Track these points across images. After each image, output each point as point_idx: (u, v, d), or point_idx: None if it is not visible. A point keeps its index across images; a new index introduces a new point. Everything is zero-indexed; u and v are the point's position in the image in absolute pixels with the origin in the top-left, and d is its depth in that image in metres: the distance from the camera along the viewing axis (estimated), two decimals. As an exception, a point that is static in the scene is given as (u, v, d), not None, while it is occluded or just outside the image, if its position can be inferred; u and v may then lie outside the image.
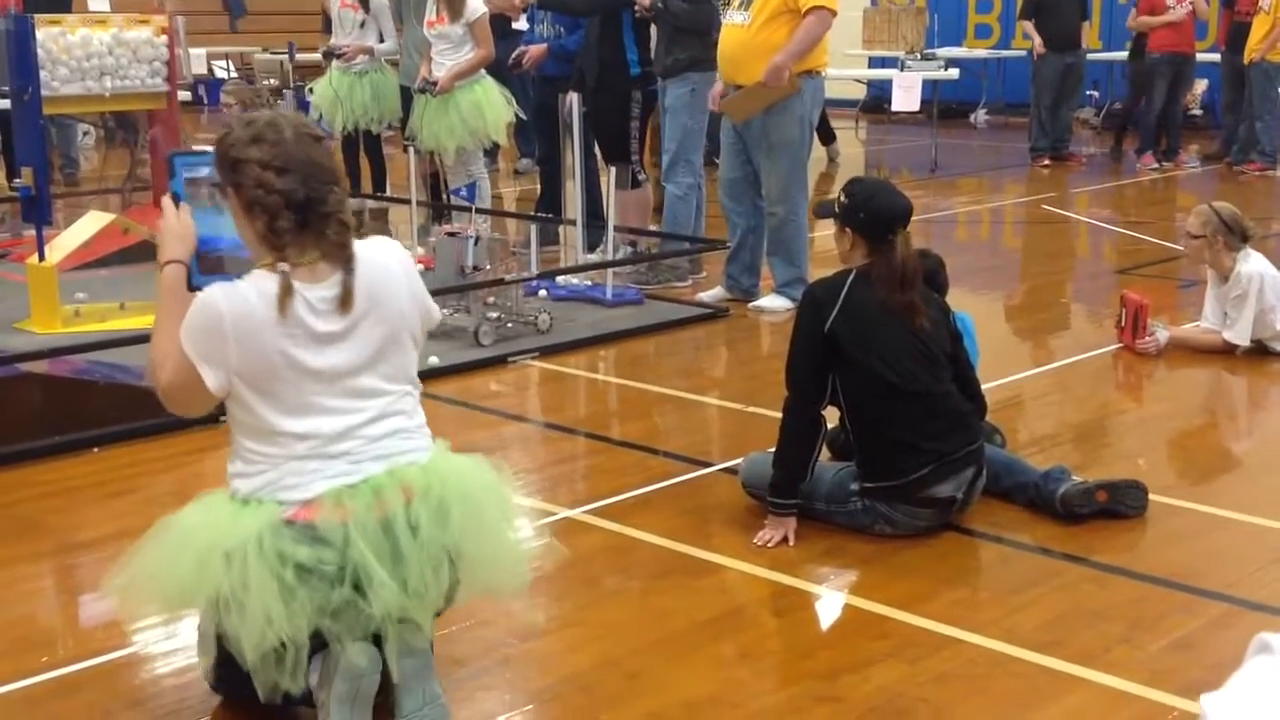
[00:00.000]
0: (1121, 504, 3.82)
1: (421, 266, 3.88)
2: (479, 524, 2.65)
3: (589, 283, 6.71)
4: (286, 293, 2.53)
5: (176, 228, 2.79)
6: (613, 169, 6.88)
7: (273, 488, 2.57)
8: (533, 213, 8.16)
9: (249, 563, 2.47)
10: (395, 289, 2.67)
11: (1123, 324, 5.67)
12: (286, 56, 14.53)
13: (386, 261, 2.70)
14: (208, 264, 2.85)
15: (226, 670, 2.67)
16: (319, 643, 2.56)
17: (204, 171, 2.90)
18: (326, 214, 2.59)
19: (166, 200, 2.85)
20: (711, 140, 7.57)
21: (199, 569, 2.51)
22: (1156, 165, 11.58)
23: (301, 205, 2.57)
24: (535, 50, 7.69)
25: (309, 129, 2.67)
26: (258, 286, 2.55)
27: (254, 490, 2.59)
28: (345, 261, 2.60)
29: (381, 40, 8.52)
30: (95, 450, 4.45)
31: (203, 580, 2.51)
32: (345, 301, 2.59)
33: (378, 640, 2.58)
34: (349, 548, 2.50)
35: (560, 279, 6.73)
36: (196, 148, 8.45)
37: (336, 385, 2.60)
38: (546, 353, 5.67)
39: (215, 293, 2.56)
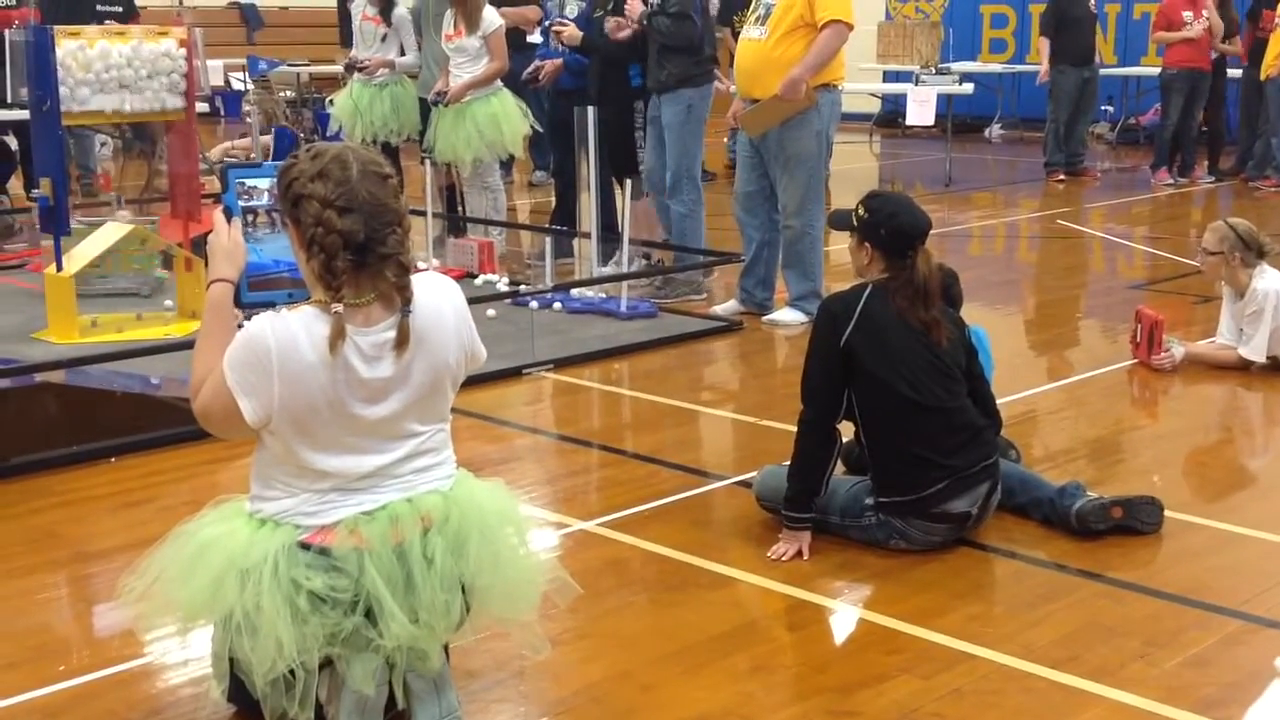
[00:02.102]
0: (1137, 520, 3.82)
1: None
2: (494, 556, 2.64)
3: (603, 295, 6.72)
4: (339, 335, 2.47)
5: (226, 245, 2.73)
6: (628, 182, 6.90)
7: (292, 514, 2.57)
8: (547, 225, 8.18)
9: (263, 585, 2.47)
10: (444, 336, 2.61)
11: (1138, 340, 5.66)
12: (304, 68, 14.61)
13: (439, 304, 2.63)
14: (258, 282, 2.80)
15: (238, 684, 2.68)
16: (327, 660, 2.57)
17: (259, 184, 2.85)
18: (386, 255, 2.52)
19: (218, 214, 2.80)
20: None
21: (215, 585, 2.52)
22: (1171, 181, 11.56)
23: (361, 246, 2.50)
24: (551, 65, 7.72)
25: (377, 166, 2.57)
26: (308, 327, 2.49)
27: (273, 514, 2.58)
28: (404, 304, 2.54)
29: (403, 53, 8.55)
30: (112, 460, 4.47)
31: (217, 597, 2.51)
32: (401, 344, 2.53)
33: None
34: (362, 575, 2.49)
35: (574, 291, 6.75)
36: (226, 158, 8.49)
37: (373, 430, 2.57)
38: (560, 365, 5.69)
39: (265, 328, 2.49)
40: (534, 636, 2.79)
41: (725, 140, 11.83)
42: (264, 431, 2.57)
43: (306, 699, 2.49)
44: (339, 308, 2.48)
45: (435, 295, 2.63)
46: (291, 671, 2.48)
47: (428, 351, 2.58)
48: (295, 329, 2.49)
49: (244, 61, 17.36)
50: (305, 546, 2.53)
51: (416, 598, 2.52)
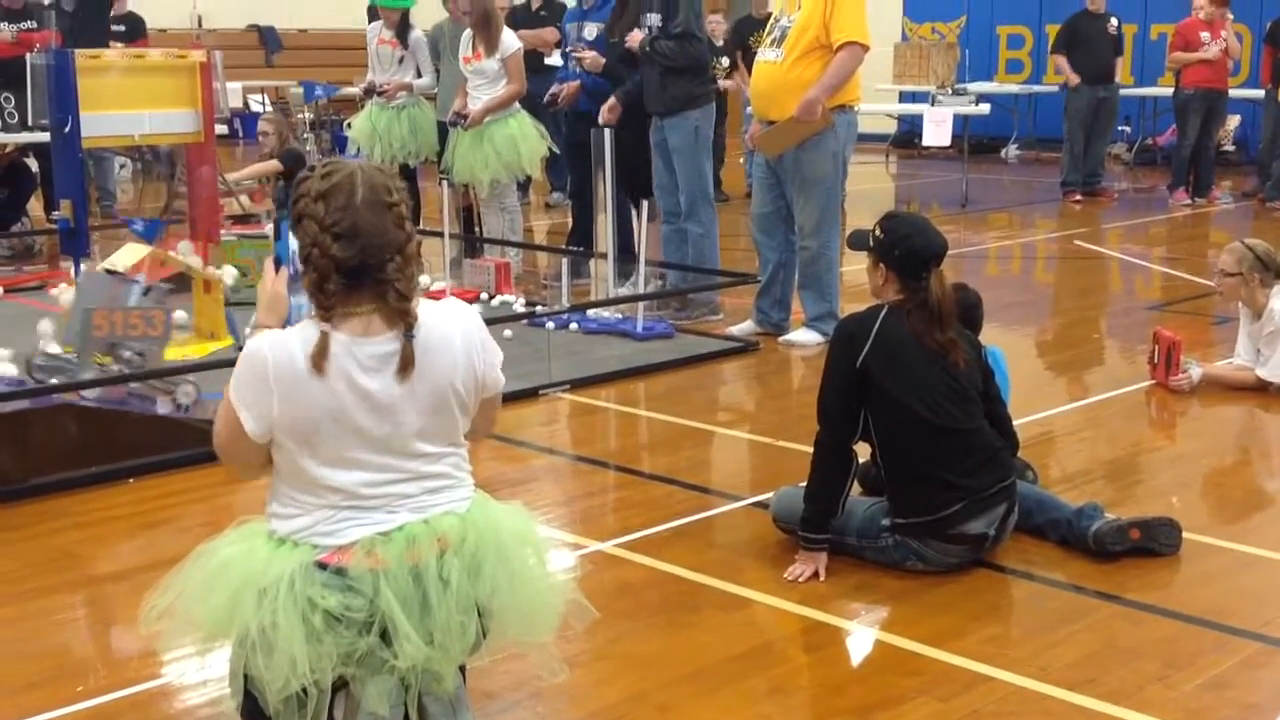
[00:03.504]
0: (1155, 542, 3.80)
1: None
2: (510, 579, 2.62)
3: (620, 316, 6.74)
4: (321, 353, 2.48)
5: (269, 294, 2.74)
6: (644, 203, 6.92)
7: (308, 532, 2.57)
8: (564, 246, 8.21)
9: (279, 603, 2.47)
10: (450, 358, 2.60)
11: (1155, 361, 5.64)
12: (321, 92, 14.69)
13: (448, 331, 2.61)
14: None
15: (253, 703, 2.69)
16: (343, 681, 2.57)
17: None
18: (383, 281, 2.52)
19: (269, 263, 2.82)
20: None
21: (232, 602, 2.52)
22: (1189, 201, 11.54)
23: (355, 270, 2.51)
24: (570, 88, 7.76)
25: (385, 191, 2.55)
26: (304, 341, 2.51)
27: (290, 533, 2.59)
28: (406, 328, 2.54)
29: (419, 76, 8.61)
30: (130, 481, 4.49)
31: (235, 614, 2.52)
32: (404, 368, 2.52)
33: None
34: (378, 596, 2.49)
35: (591, 312, 6.76)
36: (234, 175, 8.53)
37: (378, 444, 2.57)
38: (577, 385, 5.70)
39: (262, 344, 2.53)
40: (551, 658, 2.79)
41: (741, 161, 11.86)
42: (272, 449, 2.58)
43: (319, 717, 2.49)
44: (326, 327, 2.50)
45: (445, 319, 2.62)
46: (305, 690, 2.48)
47: (431, 373, 2.57)
48: (291, 343, 2.51)
49: (262, 85, 17.49)
50: (322, 566, 2.54)
51: (432, 619, 2.51)
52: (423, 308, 2.57)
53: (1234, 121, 13.94)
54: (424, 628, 2.50)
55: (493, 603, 2.58)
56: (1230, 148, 14.10)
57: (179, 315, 6.34)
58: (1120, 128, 14.14)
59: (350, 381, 2.51)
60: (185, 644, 2.68)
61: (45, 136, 6.84)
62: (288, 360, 2.50)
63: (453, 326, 2.62)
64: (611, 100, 7.30)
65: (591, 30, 7.74)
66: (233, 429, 2.55)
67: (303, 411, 2.50)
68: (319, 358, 2.48)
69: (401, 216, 2.56)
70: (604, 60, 7.24)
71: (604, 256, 7.10)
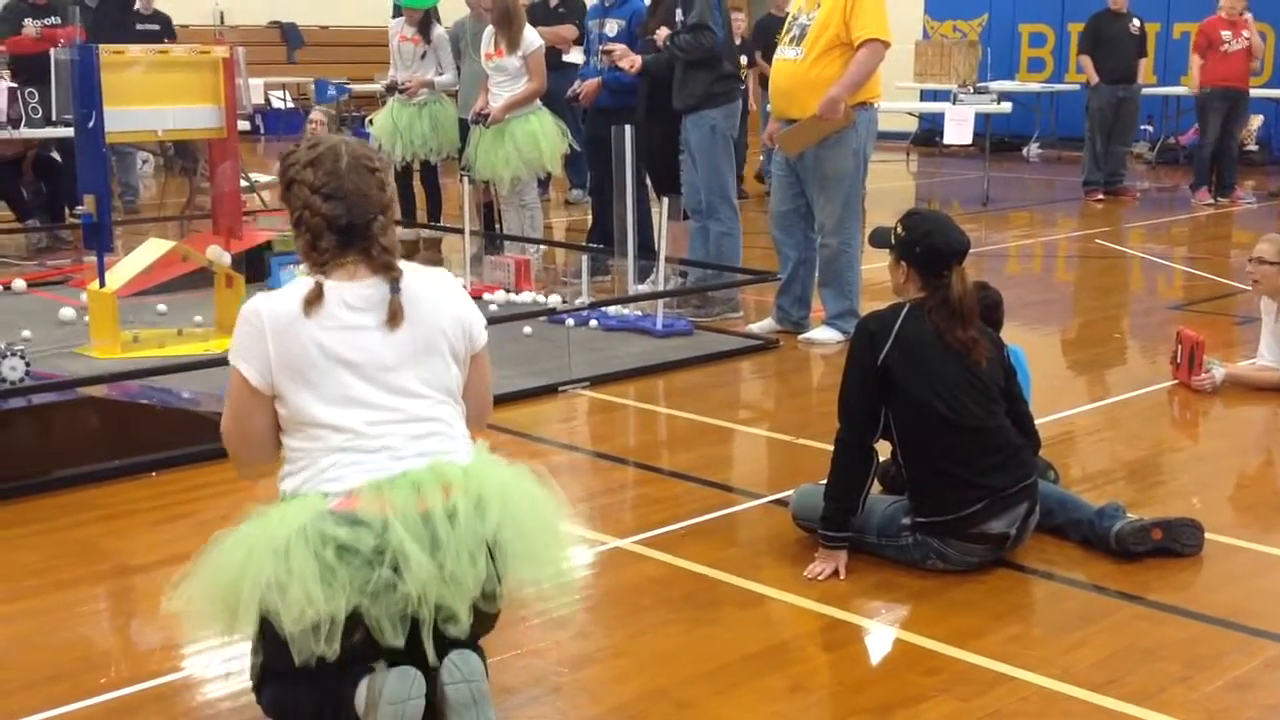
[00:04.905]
0: (1177, 542, 3.79)
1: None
2: (516, 519, 2.71)
3: (639, 313, 6.74)
4: (315, 297, 2.68)
5: None
6: (664, 200, 6.91)
7: (315, 480, 2.67)
8: (584, 243, 8.21)
9: (292, 545, 2.56)
10: (435, 304, 2.78)
11: (1178, 360, 5.62)
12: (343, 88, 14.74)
13: (430, 282, 2.82)
14: None
15: (276, 691, 2.71)
16: (363, 657, 2.59)
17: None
18: (369, 238, 2.74)
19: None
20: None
21: (247, 559, 2.59)
22: (1212, 200, 11.49)
23: (344, 229, 2.73)
24: (590, 85, 7.76)
25: (366, 159, 2.80)
26: (295, 287, 2.72)
27: (298, 486, 2.70)
28: (392, 281, 2.73)
29: (441, 72, 8.62)
30: (153, 474, 4.51)
31: (252, 571, 2.57)
32: (393, 318, 2.71)
33: (420, 666, 2.61)
34: (387, 531, 2.58)
35: (611, 309, 6.76)
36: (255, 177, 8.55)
37: (373, 379, 2.70)
38: (597, 382, 5.70)
39: (255, 301, 2.74)
40: (566, 591, 2.96)
41: (760, 159, 11.84)
42: (277, 403, 2.71)
43: (333, 637, 2.55)
44: (320, 277, 2.72)
45: (427, 275, 2.84)
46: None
47: (418, 317, 2.74)
48: (282, 293, 2.73)
49: (283, 81, 17.55)
50: (332, 513, 2.61)
51: (442, 554, 2.59)
52: (406, 266, 2.78)
53: (1257, 121, 13.87)
54: (435, 562, 2.58)
55: (500, 536, 2.67)
56: (1254, 147, 14.03)
57: (160, 309, 6.41)
58: (1143, 127, 14.09)
59: (339, 320, 2.69)
60: (209, 620, 2.69)
61: (69, 132, 6.87)
62: (281, 307, 2.70)
63: (435, 280, 2.84)
64: (598, 80, 7.36)
65: (613, 27, 7.74)
66: (238, 393, 2.72)
67: (296, 349, 2.67)
68: (313, 301, 2.68)
69: (383, 181, 2.81)
70: (640, 59, 7.17)
71: (624, 253, 7.09)
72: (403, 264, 2.79)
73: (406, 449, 2.69)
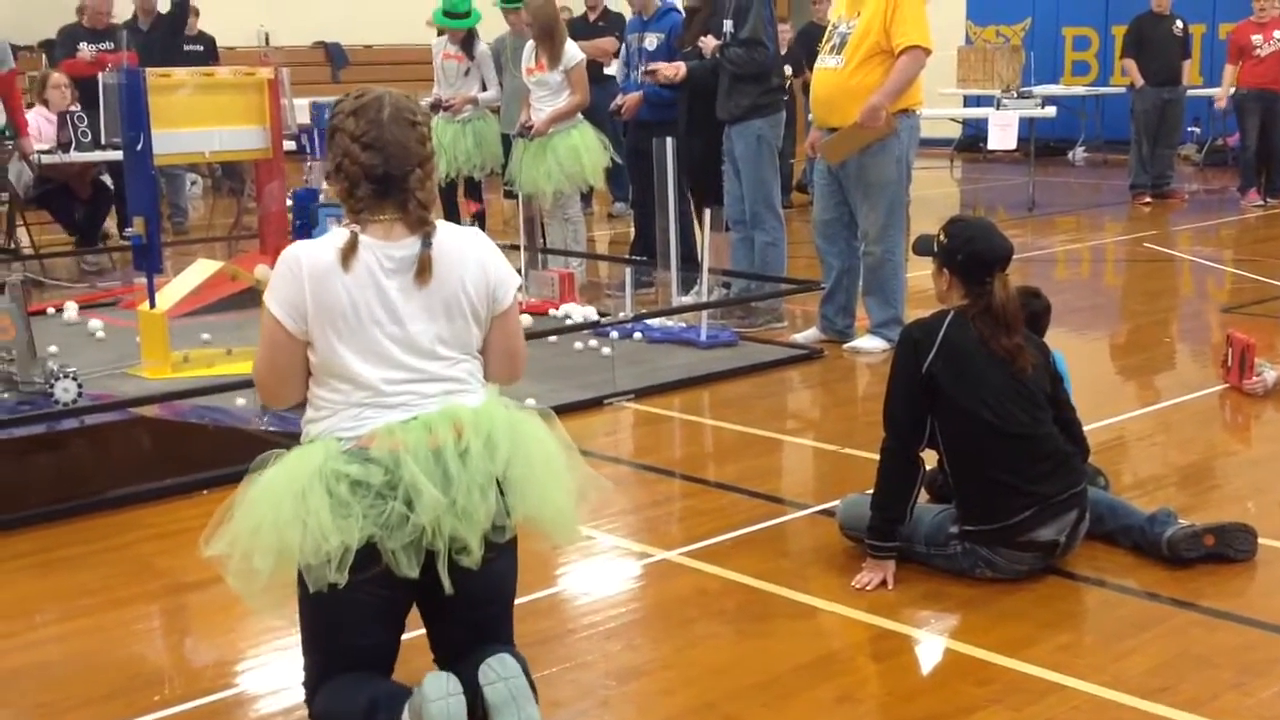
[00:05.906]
0: (1229, 548, 3.74)
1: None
2: (526, 453, 2.78)
3: (683, 325, 6.74)
4: (351, 249, 2.74)
5: None
6: (708, 211, 6.92)
7: (335, 430, 2.76)
8: (627, 256, 8.22)
9: (309, 489, 2.64)
10: (460, 267, 2.82)
11: (1229, 364, 5.56)
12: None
13: (461, 242, 2.85)
14: None
15: (327, 694, 2.74)
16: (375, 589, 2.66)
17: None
18: (406, 190, 2.79)
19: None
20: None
21: (269, 501, 2.68)
22: (1261, 202, 11.36)
23: (380, 179, 2.78)
24: (632, 99, 7.78)
25: (409, 112, 2.85)
26: (333, 238, 2.78)
27: (319, 434, 2.78)
28: (425, 236, 2.79)
29: (484, 89, 8.68)
30: (204, 493, 4.55)
31: (273, 510, 2.66)
32: (422, 273, 2.77)
33: (452, 668, 2.67)
34: (399, 467, 2.66)
35: (654, 321, 6.77)
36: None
37: (397, 339, 2.76)
38: (641, 395, 5.71)
39: (295, 247, 2.81)
40: (572, 532, 2.97)
41: (803, 169, 11.82)
42: (310, 352, 2.78)
43: (344, 565, 2.62)
44: (356, 227, 2.77)
45: (460, 233, 2.89)
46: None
47: (444, 276, 2.79)
48: (323, 243, 2.79)
49: (329, 100, 17.65)
50: (346, 452, 2.71)
51: (454, 488, 2.66)
52: (440, 223, 2.84)
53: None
54: (446, 496, 2.66)
55: (510, 472, 2.74)
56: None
57: (205, 337, 6.45)
58: (1190, 129, 13.95)
59: (372, 278, 2.75)
60: (247, 562, 2.73)
61: (118, 154, 6.97)
62: (317, 252, 2.77)
63: (466, 239, 2.88)
64: (639, 94, 7.36)
65: (652, 41, 7.76)
66: (272, 335, 2.79)
67: (330, 298, 2.74)
68: (348, 253, 2.74)
69: (424, 135, 2.86)
70: (684, 70, 7.15)
71: (667, 266, 7.09)
72: (438, 222, 2.84)
73: (422, 405, 2.77)
